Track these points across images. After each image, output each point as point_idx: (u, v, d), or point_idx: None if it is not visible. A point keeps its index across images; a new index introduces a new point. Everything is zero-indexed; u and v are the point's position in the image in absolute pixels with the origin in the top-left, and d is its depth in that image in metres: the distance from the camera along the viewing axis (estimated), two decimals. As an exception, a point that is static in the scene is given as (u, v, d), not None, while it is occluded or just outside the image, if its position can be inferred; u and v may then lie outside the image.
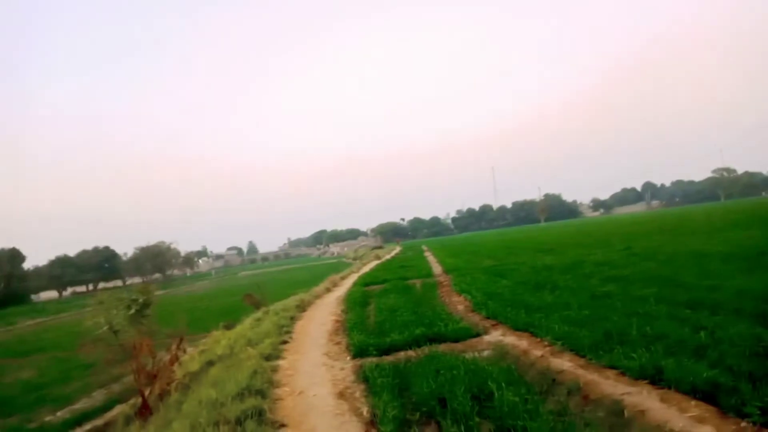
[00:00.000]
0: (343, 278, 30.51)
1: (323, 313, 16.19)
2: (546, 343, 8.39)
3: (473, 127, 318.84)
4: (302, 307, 17.62)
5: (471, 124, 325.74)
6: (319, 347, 11.01)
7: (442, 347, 9.23)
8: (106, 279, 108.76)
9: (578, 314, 9.71)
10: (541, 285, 14.71)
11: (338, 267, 54.54)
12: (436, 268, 28.09)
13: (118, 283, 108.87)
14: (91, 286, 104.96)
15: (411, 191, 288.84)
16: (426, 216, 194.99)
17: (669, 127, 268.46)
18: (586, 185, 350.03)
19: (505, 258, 28.68)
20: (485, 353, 8.98)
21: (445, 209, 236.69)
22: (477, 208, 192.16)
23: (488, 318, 11.39)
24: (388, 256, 54.72)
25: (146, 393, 10.52)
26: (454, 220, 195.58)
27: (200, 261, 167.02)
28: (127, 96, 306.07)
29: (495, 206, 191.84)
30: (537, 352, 8.06)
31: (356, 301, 17.30)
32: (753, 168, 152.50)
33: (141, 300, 19.61)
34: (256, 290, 27.37)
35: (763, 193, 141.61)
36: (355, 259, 72.70)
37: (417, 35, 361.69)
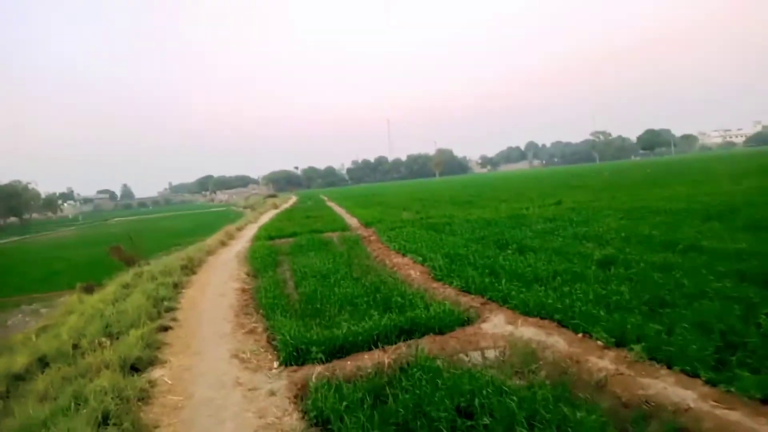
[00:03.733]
0: (239, 229, 25.93)
1: (221, 278, 12.07)
2: (600, 343, 5.37)
3: (371, 80, 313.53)
4: (191, 268, 13.29)
5: (369, 75, 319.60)
6: (222, 339, 7.12)
7: (428, 345, 5.89)
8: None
9: (601, 291, 6.90)
10: (503, 244, 11.89)
11: (230, 216, 48.97)
12: (350, 221, 24.63)
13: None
14: None
15: (305, 139, 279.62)
16: (320, 166, 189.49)
17: (552, 92, 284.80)
18: (475, 143, 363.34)
19: (424, 210, 25.90)
20: (493, 354, 5.81)
21: (340, 160, 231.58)
22: (372, 160, 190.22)
23: (466, 291, 8.22)
24: (286, 205, 50.15)
25: None
26: (349, 171, 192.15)
27: (65, 204, 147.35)
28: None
29: (390, 159, 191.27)
30: (598, 361, 5.01)
31: (265, 261, 13.37)
32: (624, 133, 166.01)
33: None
34: (128, 242, 21.99)
35: (632, 156, 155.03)
36: (246, 207, 66.91)
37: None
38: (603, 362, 4.96)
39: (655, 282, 7.11)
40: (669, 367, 4.69)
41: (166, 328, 7.80)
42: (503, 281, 8.05)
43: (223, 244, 19.59)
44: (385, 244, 14.62)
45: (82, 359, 6.45)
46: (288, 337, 6.17)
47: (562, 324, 6.09)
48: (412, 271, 10.31)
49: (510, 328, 6.30)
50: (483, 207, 24.24)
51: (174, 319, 8.29)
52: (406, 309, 7.33)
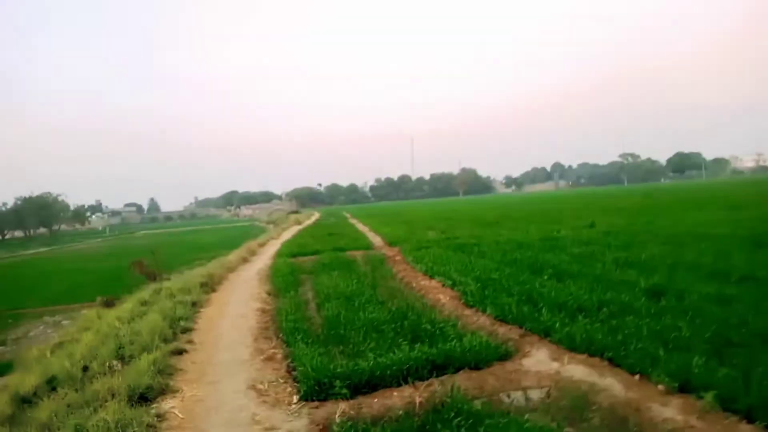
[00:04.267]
0: (261, 245, 25.69)
1: (241, 296, 11.67)
2: (661, 387, 4.71)
3: (394, 97, 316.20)
4: (210, 286, 12.92)
5: (393, 93, 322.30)
6: (240, 367, 6.64)
7: (463, 382, 5.29)
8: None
9: (654, 326, 6.23)
10: (537, 268, 11.22)
11: (253, 231, 49.07)
12: (374, 239, 24.15)
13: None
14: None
15: (328, 158, 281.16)
16: (343, 183, 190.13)
17: (579, 111, 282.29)
18: (499, 162, 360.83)
19: (450, 230, 25.23)
20: (537, 396, 5.18)
21: (363, 178, 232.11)
22: (395, 178, 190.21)
23: (502, 321, 7.60)
24: (308, 222, 50.04)
25: None
26: (372, 188, 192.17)
27: (94, 217, 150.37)
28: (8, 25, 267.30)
29: (413, 177, 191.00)
30: (662, 410, 4.34)
31: (286, 280, 12.92)
32: (653, 155, 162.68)
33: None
34: (150, 256, 21.87)
35: (662, 179, 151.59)
36: (269, 223, 67.09)
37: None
38: (668, 411, 4.30)
39: (714, 317, 6.38)
40: (749, 422, 4.02)
41: (181, 351, 7.36)
42: (543, 311, 7.40)
43: (245, 260, 19.28)
44: (411, 265, 14.05)
45: (90, 385, 6.02)
46: (309, 369, 5.64)
47: (614, 363, 5.42)
48: (441, 296, 9.71)
49: (555, 365, 5.66)
50: (511, 228, 23.47)
51: (190, 342, 7.86)
52: (436, 338, 6.75)
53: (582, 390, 4.96)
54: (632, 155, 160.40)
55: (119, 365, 6.80)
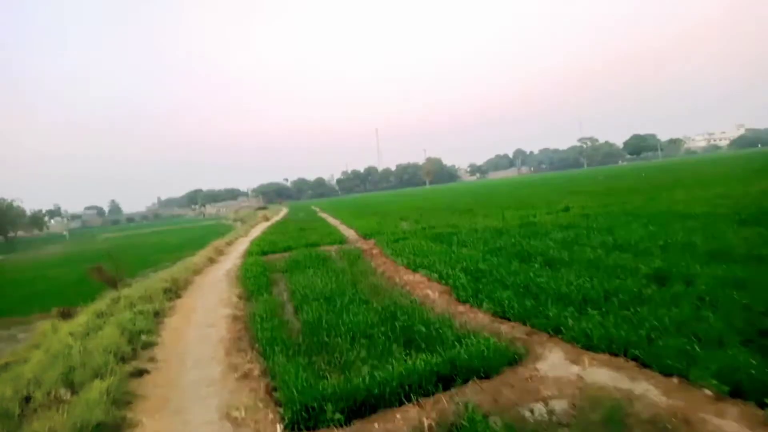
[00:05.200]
0: (229, 244, 24.44)
1: (209, 302, 10.65)
2: (708, 392, 4.09)
3: (359, 91, 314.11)
4: (175, 291, 11.83)
5: (357, 88, 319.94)
6: (210, 388, 5.71)
7: (475, 395, 4.57)
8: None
9: (676, 316, 5.65)
10: (525, 256, 10.62)
11: (219, 230, 47.29)
12: (347, 232, 23.28)
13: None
14: None
15: (293, 151, 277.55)
16: (310, 177, 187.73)
17: (539, 99, 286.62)
18: (462, 150, 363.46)
19: (423, 220, 24.54)
20: (560, 407, 4.48)
21: (329, 171, 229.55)
22: (362, 170, 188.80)
23: (501, 317, 6.93)
24: (277, 218, 48.61)
25: None
26: (339, 181, 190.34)
27: (53, 221, 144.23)
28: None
29: (380, 169, 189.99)
30: (720, 422, 3.70)
31: (258, 280, 11.94)
32: (611, 139, 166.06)
33: None
34: (111, 258, 20.41)
35: (620, 161, 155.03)
36: (236, 220, 65.23)
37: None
38: (728, 424, 3.66)
39: (736, 304, 5.84)
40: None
41: (141, 372, 6.38)
42: (549, 304, 6.75)
43: (212, 261, 18.11)
44: (390, 258, 13.28)
45: (29, 424, 5.02)
46: (294, 391, 4.80)
47: (642, 363, 4.80)
48: (429, 291, 8.95)
49: (575, 369, 4.99)
50: (486, 215, 22.94)
51: (152, 359, 6.88)
52: (433, 341, 6.01)
53: (614, 398, 4.29)
54: (591, 139, 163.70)
55: (67, 394, 5.80)
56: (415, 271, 10.84)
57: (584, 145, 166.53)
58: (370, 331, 6.74)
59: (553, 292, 7.30)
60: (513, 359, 5.39)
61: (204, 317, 9.26)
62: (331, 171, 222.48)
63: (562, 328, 5.89)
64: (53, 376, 6.58)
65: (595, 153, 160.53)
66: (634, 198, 22.84)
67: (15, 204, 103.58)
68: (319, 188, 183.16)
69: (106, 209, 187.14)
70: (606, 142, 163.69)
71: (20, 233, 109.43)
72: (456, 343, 5.80)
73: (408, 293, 9.05)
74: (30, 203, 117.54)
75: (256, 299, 10.07)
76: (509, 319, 6.75)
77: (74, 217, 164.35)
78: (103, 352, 6.65)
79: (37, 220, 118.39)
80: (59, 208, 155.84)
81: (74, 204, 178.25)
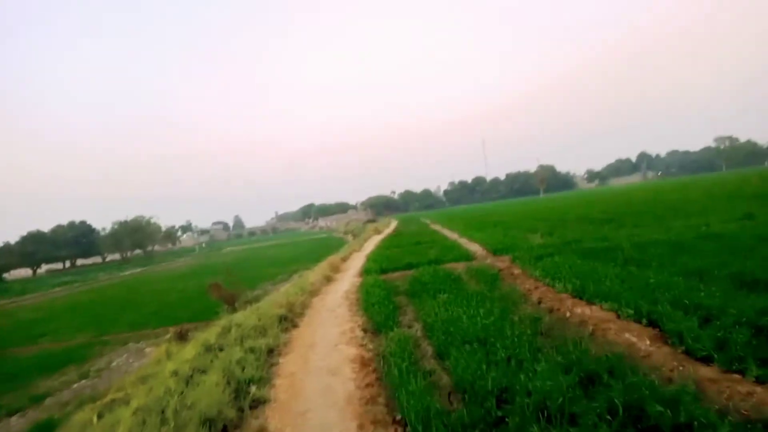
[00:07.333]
0: (344, 260, 23.15)
1: (330, 335, 8.90)
2: None
3: (464, 102, 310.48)
4: (291, 319, 10.30)
5: (462, 99, 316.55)
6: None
7: None
8: (84, 255, 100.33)
9: None
10: (752, 282, 7.58)
11: (330, 242, 47.26)
12: (470, 246, 20.85)
13: (97, 259, 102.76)
14: (68, 263, 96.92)
15: (400, 165, 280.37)
16: (416, 189, 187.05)
17: (664, 98, 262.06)
18: (577, 156, 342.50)
19: (557, 232, 21.37)
20: None
21: (435, 182, 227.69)
22: (469, 181, 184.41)
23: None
24: (388, 230, 47.40)
25: None
26: (446, 192, 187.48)
27: (184, 236, 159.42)
28: (102, 60, 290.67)
29: (487, 178, 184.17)
30: None
31: (383, 308, 10.06)
32: (754, 137, 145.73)
33: None
34: (230, 275, 20.28)
35: (766, 163, 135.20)
36: (346, 233, 65.46)
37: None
38: None
39: None
40: None
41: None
42: None
43: (329, 279, 16.69)
44: (541, 281, 10.71)
45: None
46: None
47: None
48: (630, 336, 6.28)
49: None
50: (638, 225, 19.32)
51: (262, 430, 5.11)
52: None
53: None
54: (730, 138, 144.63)
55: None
56: (590, 302, 8.17)
57: (721, 146, 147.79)
58: (572, 408, 4.40)
59: None
60: None
61: (325, 358, 7.48)
62: (437, 183, 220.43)
63: None
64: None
65: (734, 154, 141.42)
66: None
67: (152, 221, 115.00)
68: (426, 200, 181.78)
69: (231, 224, 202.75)
70: (748, 141, 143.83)
71: (157, 247, 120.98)
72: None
73: (594, 337, 6.53)
74: (165, 220, 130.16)
75: (385, 334, 8.15)
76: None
77: (203, 231, 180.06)
78: (199, 421, 4.99)
79: (170, 235, 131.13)
80: (190, 224, 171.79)
81: (203, 220, 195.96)
